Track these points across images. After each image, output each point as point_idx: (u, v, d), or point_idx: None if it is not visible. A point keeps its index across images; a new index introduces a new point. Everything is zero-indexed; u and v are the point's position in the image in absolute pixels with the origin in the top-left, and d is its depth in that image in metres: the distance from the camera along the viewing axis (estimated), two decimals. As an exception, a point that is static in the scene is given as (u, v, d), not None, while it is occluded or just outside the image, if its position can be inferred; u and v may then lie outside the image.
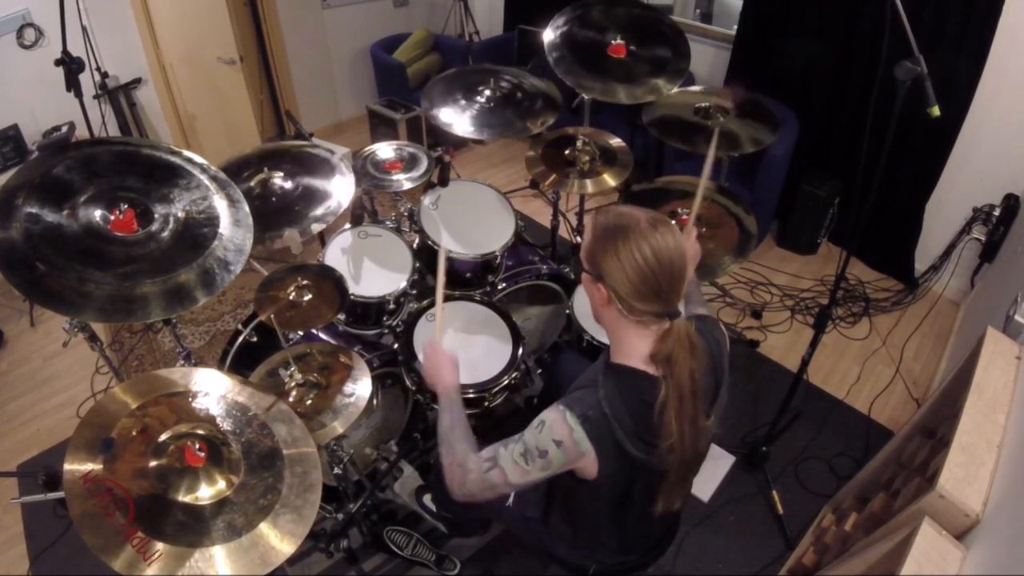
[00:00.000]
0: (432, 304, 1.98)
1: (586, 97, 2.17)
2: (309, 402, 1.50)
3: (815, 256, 3.44)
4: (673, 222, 1.11)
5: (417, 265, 2.03)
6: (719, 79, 3.61)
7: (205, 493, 1.09)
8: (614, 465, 1.08)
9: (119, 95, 3.51)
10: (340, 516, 1.92)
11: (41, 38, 3.11)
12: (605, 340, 1.50)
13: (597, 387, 1.08)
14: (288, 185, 1.81)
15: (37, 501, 1.54)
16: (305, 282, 1.64)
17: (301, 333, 1.90)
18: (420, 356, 1.83)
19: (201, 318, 2.99)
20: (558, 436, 1.06)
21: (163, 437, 1.12)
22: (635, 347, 1.09)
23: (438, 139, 4.19)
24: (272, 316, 1.53)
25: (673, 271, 1.03)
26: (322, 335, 1.98)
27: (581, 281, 1.15)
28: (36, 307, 3.02)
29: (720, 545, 2.05)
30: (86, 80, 2.77)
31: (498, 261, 2.12)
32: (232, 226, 1.43)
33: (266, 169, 1.82)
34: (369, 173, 2.09)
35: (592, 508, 1.17)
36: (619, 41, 2.13)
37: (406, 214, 2.19)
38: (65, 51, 2.37)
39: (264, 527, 1.07)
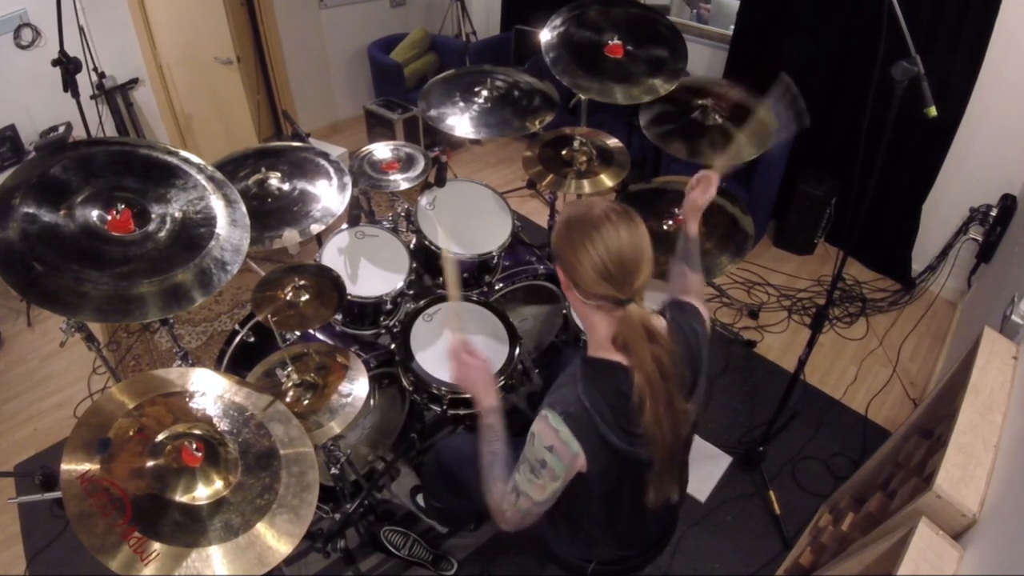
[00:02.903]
0: (429, 304, 1.98)
1: (583, 97, 2.17)
2: (306, 402, 1.50)
3: (812, 256, 3.45)
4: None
5: (414, 265, 2.02)
6: (717, 79, 3.62)
7: (202, 493, 1.09)
8: (601, 460, 1.10)
9: (116, 95, 3.49)
10: (337, 516, 1.92)
11: (38, 38, 3.10)
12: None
13: (575, 383, 1.10)
14: (286, 187, 1.81)
15: (34, 501, 1.54)
16: (302, 282, 1.64)
17: (298, 333, 1.90)
18: (417, 357, 1.83)
19: (198, 318, 2.99)
20: (548, 442, 1.09)
21: (160, 437, 1.12)
22: (600, 331, 1.13)
23: (435, 139, 4.19)
24: (269, 316, 1.53)
25: (623, 260, 1.06)
26: (319, 335, 1.97)
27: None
28: (33, 307, 3.02)
29: (717, 545, 2.05)
30: (83, 80, 2.77)
31: (495, 261, 2.12)
32: (229, 226, 1.43)
33: (263, 169, 1.82)
34: (366, 173, 2.09)
35: (586, 505, 1.19)
36: (616, 41, 2.13)
37: (403, 214, 2.19)
38: (62, 51, 2.38)
39: (261, 527, 1.07)
